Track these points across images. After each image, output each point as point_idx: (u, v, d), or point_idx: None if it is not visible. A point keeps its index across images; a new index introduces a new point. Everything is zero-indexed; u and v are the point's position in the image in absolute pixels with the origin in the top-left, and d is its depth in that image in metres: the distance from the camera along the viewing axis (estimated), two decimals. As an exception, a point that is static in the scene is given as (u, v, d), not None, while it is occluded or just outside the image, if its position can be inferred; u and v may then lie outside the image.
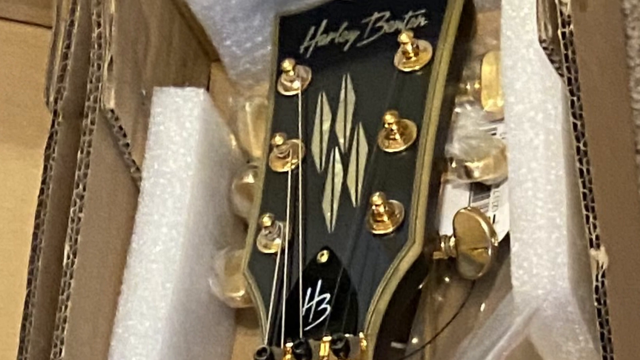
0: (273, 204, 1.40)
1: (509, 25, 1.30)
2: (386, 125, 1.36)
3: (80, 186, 1.32)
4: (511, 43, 1.28)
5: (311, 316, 1.25)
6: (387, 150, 1.41)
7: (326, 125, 1.49)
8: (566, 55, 1.09)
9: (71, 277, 1.29)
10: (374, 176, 1.41)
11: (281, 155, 1.40)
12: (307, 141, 1.43)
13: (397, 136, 1.41)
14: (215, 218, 1.42)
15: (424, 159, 1.34)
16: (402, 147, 1.40)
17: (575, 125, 1.06)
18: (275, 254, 1.34)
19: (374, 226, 1.32)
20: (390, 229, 1.31)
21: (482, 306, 1.36)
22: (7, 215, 1.86)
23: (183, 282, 1.34)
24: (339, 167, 1.39)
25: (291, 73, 1.50)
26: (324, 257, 1.32)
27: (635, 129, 1.44)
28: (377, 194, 1.36)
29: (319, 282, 1.31)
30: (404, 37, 1.40)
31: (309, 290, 1.34)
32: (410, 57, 1.40)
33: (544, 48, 1.12)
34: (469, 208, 1.36)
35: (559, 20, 1.09)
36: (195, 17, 1.54)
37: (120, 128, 1.42)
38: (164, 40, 1.57)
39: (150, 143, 1.42)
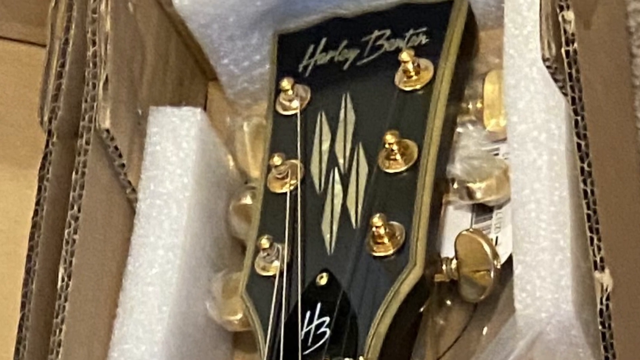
0: (271, 225, 1.38)
1: (511, 43, 1.29)
2: (386, 146, 1.35)
3: (75, 207, 1.30)
4: (514, 62, 1.27)
5: (310, 340, 1.23)
6: (387, 170, 1.39)
7: (325, 145, 1.47)
8: (570, 74, 1.08)
9: (66, 300, 1.27)
10: (374, 197, 1.40)
11: (280, 176, 1.38)
12: (306, 162, 1.41)
13: (398, 156, 1.39)
14: (212, 240, 1.40)
15: (425, 180, 1.33)
16: (403, 168, 1.39)
17: (579, 145, 1.04)
18: (274, 276, 1.32)
19: (374, 248, 1.30)
20: (391, 251, 1.29)
21: (485, 330, 1.34)
22: (1, 237, 1.84)
23: (180, 305, 1.32)
24: (338, 187, 1.37)
25: (290, 92, 1.48)
26: (323, 280, 1.31)
27: (641, 148, 1.43)
28: (378, 215, 1.35)
29: (318, 305, 1.30)
30: (404, 56, 1.38)
31: (308, 314, 1.32)
32: (411, 76, 1.39)
33: (548, 67, 1.10)
34: (471, 230, 1.35)
35: (563, 39, 1.08)
36: (192, 35, 1.53)
37: (116, 148, 1.40)
38: (160, 58, 1.56)
39: (146, 163, 1.40)
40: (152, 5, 1.57)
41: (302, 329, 1.30)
